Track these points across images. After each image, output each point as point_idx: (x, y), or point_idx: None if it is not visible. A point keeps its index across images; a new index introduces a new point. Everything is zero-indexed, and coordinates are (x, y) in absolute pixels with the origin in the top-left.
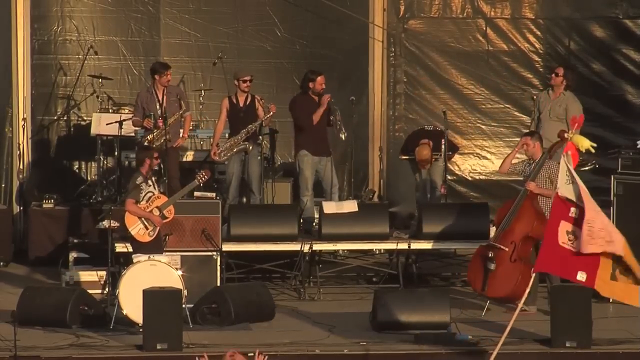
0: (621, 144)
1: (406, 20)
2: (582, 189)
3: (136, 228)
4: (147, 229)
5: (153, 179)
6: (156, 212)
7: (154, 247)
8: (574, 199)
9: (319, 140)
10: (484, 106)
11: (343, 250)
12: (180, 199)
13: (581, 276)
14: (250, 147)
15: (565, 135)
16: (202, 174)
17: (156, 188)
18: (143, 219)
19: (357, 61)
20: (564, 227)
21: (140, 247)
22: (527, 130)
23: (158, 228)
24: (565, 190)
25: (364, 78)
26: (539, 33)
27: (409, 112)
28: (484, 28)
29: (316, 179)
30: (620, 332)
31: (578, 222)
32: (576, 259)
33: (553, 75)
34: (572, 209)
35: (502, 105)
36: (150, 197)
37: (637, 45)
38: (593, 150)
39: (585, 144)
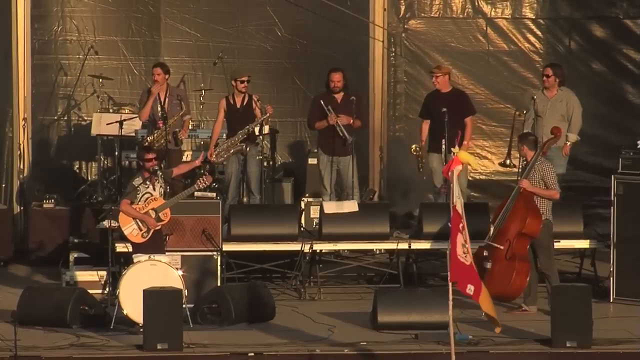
0: (621, 144)
1: (407, 20)
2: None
3: (129, 228)
4: (140, 230)
5: (155, 179)
6: (152, 214)
7: (154, 247)
8: (461, 212)
9: (332, 140)
10: (484, 106)
11: (343, 250)
12: (177, 202)
13: (470, 289)
14: (248, 148)
15: (453, 150)
16: (204, 180)
17: (156, 189)
18: (137, 220)
19: (357, 61)
20: (460, 239)
21: (139, 248)
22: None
23: (152, 230)
24: (458, 203)
25: (364, 78)
26: (539, 33)
27: (409, 112)
28: (485, 28)
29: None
30: (620, 332)
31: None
32: (468, 272)
33: (544, 78)
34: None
35: (502, 105)
36: (147, 199)
37: (637, 45)
38: (475, 166)
39: (471, 160)
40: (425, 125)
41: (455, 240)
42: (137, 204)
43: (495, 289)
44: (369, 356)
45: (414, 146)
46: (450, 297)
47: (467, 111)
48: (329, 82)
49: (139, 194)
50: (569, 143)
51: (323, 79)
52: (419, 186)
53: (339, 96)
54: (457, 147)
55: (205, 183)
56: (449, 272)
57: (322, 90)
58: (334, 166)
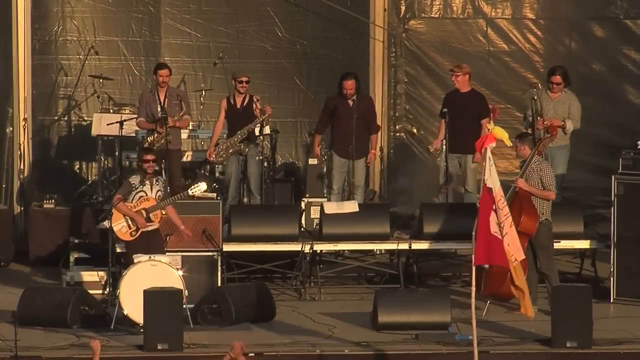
0: (621, 144)
1: (407, 21)
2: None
3: (119, 225)
4: (129, 228)
5: (154, 180)
6: (143, 214)
7: (149, 249)
8: (495, 189)
9: (343, 143)
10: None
11: (344, 250)
12: (169, 205)
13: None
14: (247, 149)
15: (488, 126)
16: (197, 186)
17: (153, 191)
18: (128, 217)
19: (358, 61)
20: (494, 218)
21: (132, 247)
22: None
23: (141, 230)
24: (491, 181)
25: (364, 78)
26: (539, 33)
27: (409, 112)
28: (485, 28)
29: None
30: (621, 332)
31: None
32: (499, 248)
33: (555, 85)
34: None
35: (502, 106)
36: (140, 198)
37: (637, 45)
38: (510, 144)
39: (505, 136)
40: (443, 124)
41: (487, 219)
42: (130, 202)
43: (493, 289)
44: (369, 356)
45: (430, 148)
46: (474, 276)
47: (484, 113)
48: (341, 89)
49: (133, 192)
50: (562, 123)
51: (323, 79)
52: (419, 186)
53: (351, 101)
54: (491, 122)
55: (198, 190)
56: (473, 256)
57: (321, 90)
58: (345, 168)
